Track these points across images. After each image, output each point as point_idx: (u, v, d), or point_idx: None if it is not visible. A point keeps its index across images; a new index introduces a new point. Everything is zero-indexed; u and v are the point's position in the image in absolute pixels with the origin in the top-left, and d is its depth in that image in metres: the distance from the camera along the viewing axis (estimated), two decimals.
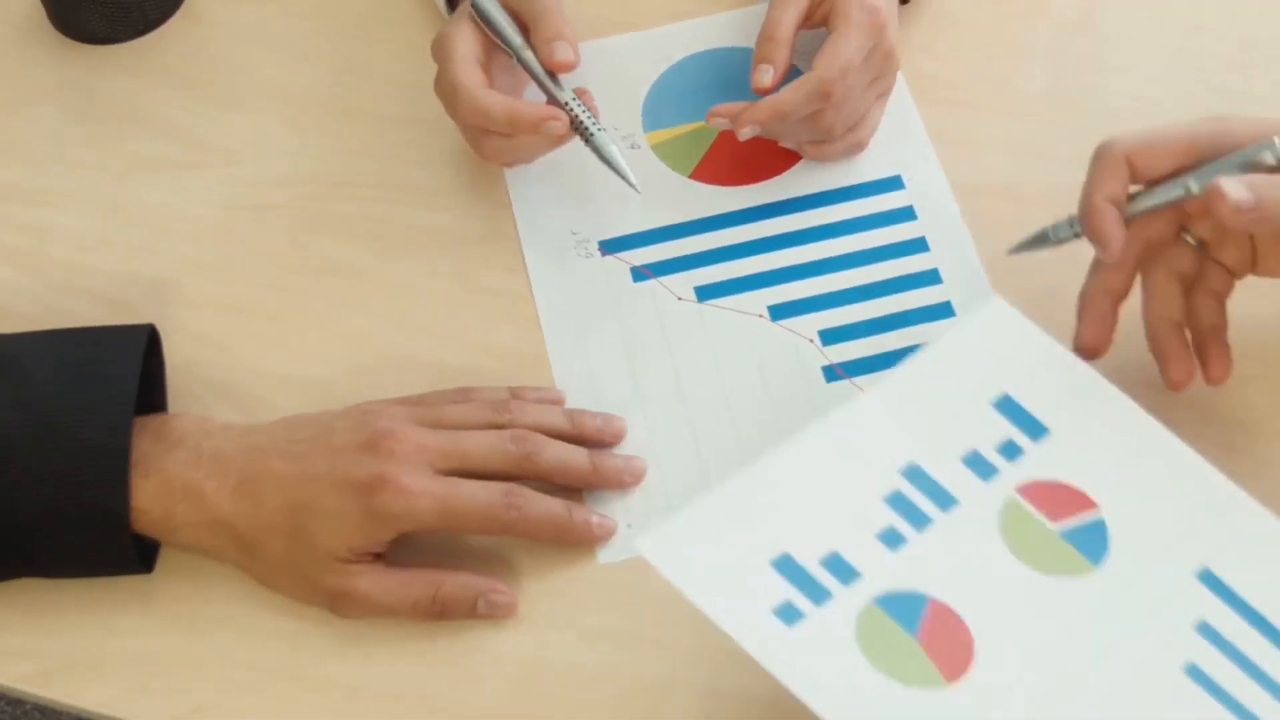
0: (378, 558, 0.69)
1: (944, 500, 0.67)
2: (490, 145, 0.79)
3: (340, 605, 0.69)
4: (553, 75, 0.79)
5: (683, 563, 0.64)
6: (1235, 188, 0.66)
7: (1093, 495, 0.68)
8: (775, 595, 0.63)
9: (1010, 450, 0.69)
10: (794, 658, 0.62)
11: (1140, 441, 0.70)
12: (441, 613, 0.69)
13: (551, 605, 0.71)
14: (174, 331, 0.79)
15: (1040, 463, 0.69)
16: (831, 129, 0.81)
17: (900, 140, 0.84)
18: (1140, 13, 0.89)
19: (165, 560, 0.72)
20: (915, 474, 0.68)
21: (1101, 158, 0.70)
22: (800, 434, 0.69)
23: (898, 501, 0.67)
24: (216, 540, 0.69)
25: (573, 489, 0.72)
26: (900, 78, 0.86)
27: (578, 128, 0.78)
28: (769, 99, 0.79)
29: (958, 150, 0.82)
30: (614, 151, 0.78)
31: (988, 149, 0.83)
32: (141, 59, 0.90)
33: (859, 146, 0.83)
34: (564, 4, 0.80)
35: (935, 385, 0.71)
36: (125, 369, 0.69)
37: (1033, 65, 0.87)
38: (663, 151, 0.85)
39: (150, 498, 0.68)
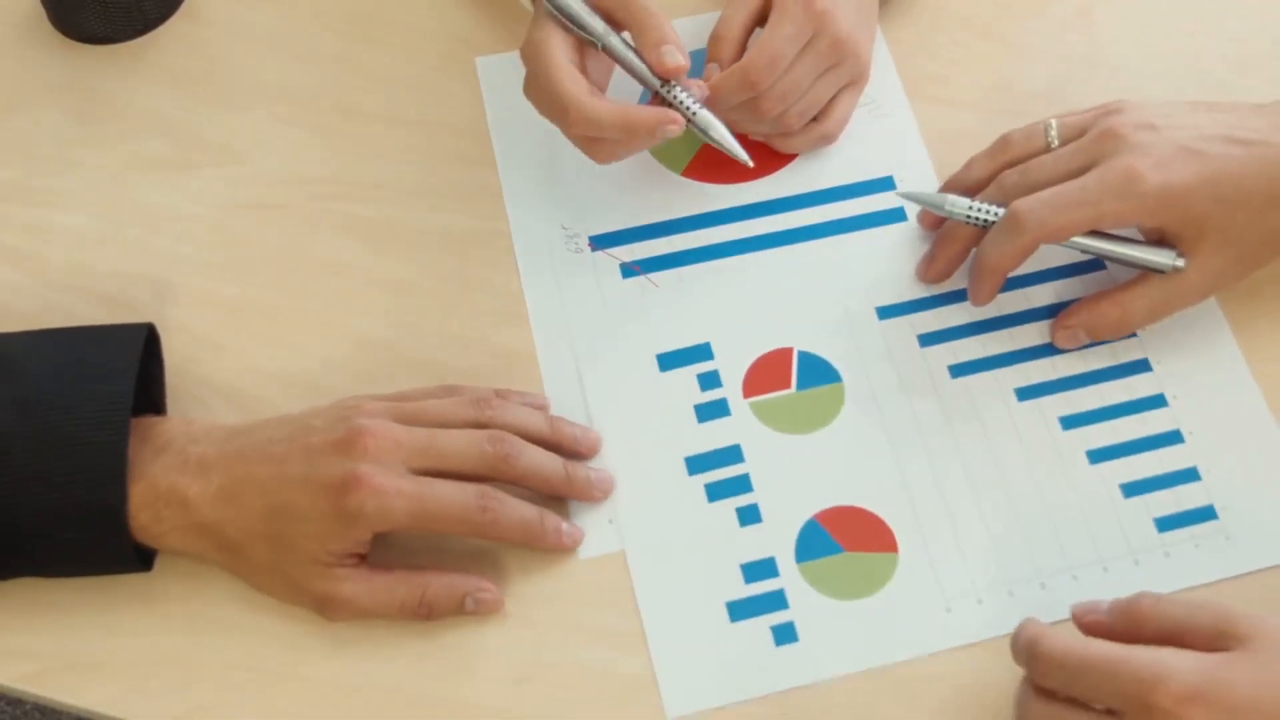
0: (361, 560, 0.69)
1: (732, 456, 0.73)
2: (605, 149, 0.77)
3: (327, 609, 0.69)
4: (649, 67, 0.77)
5: None
6: (1066, 338, 0.75)
7: (786, 345, 0.77)
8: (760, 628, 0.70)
9: (707, 382, 0.76)
10: (806, 662, 0.69)
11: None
12: (429, 614, 0.69)
13: (540, 602, 0.71)
14: (173, 331, 0.79)
15: (728, 370, 0.76)
16: (784, 121, 0.81)
17: (892, 140, 0.84)
18: (1139, 12, 0.89)
19: (165, 560, 0.72)
20: (695, 461, 0.74)
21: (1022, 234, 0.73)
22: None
23: (713, 490, 0.73)
24: (202, 545, 0.70)
25: (545, 496, 0.72)
26: (896, 77, 0.86)
27: (678, 110, 0.77)
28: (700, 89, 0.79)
29: (955, 151, 0.82)
30: (721, 130, 0.77)
31: None
32: (141, 59, 0.90)
33: (826, 139, 0.83)
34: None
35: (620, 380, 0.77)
36: (123, 368, 0.70)
37: (1032, 65, 0.87)
38: (655, 148, 0.85)
39: (137, 502, 0.68)
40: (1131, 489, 0.73)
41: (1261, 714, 0.55)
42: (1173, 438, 0.74)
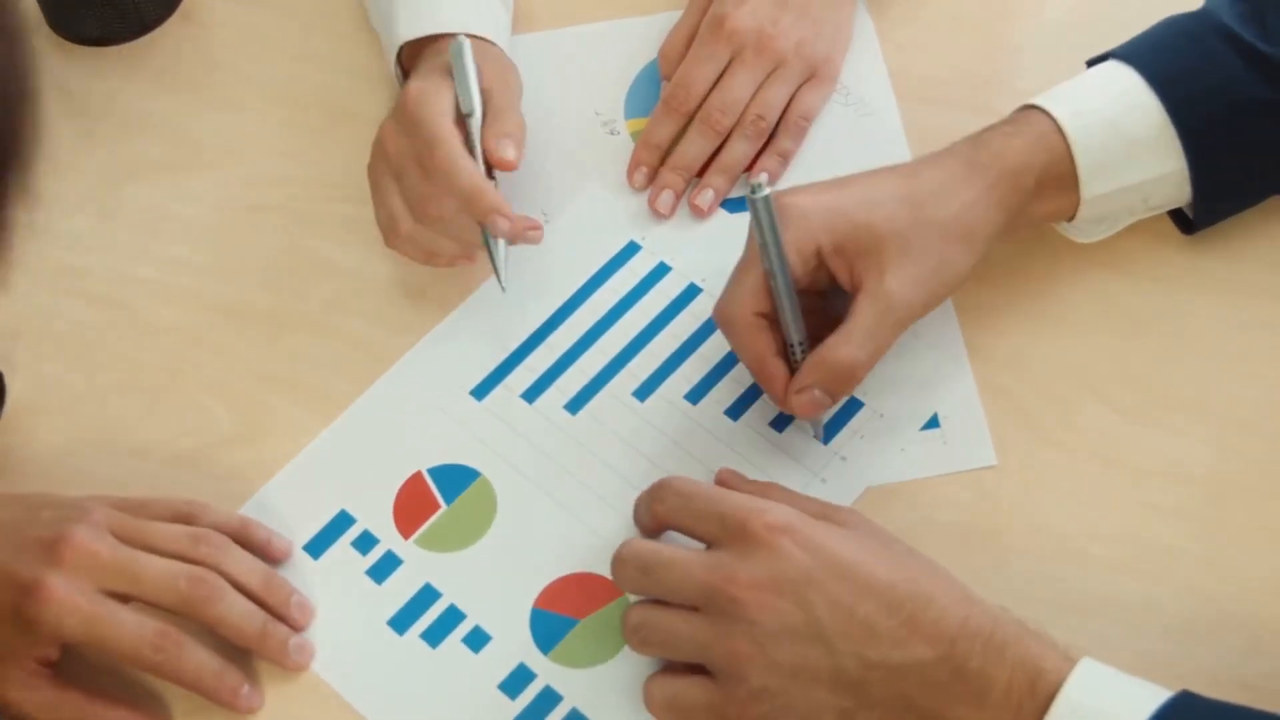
0: (47, 666, 0.66)
1: (428, 596, 0.71)
2: (404, 232, 0.76)
3: None
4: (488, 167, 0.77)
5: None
6: (809, 403, 0.69)
7: (413, 470, 0.74)
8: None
9: (364, 545, 0.73)
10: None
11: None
12: None
13: None
14: (170, 332, 0.80)
15: (376, 524, 0.73)
16: (758, 129, 0.81)
17: (873, 138, 0.84)
18: (1134, 12, 0.89)
19: None
20: (398, 620, 0.71)
21: (734, 328, 0.71)
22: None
23: (431, 635, 0.71)
24: None
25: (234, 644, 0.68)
26: (884, 76, 0.86)
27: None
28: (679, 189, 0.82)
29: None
30: (500, 254, 0.76)
31: None
32: (138, 60, 0.90)
33: (794, 132, 0.83)
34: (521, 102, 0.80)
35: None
36: None
37: (1027, 65, 0.87)
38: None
39: None
40: (780, 421, 0.74)
41: (833, 562, 0.61)
42: None
